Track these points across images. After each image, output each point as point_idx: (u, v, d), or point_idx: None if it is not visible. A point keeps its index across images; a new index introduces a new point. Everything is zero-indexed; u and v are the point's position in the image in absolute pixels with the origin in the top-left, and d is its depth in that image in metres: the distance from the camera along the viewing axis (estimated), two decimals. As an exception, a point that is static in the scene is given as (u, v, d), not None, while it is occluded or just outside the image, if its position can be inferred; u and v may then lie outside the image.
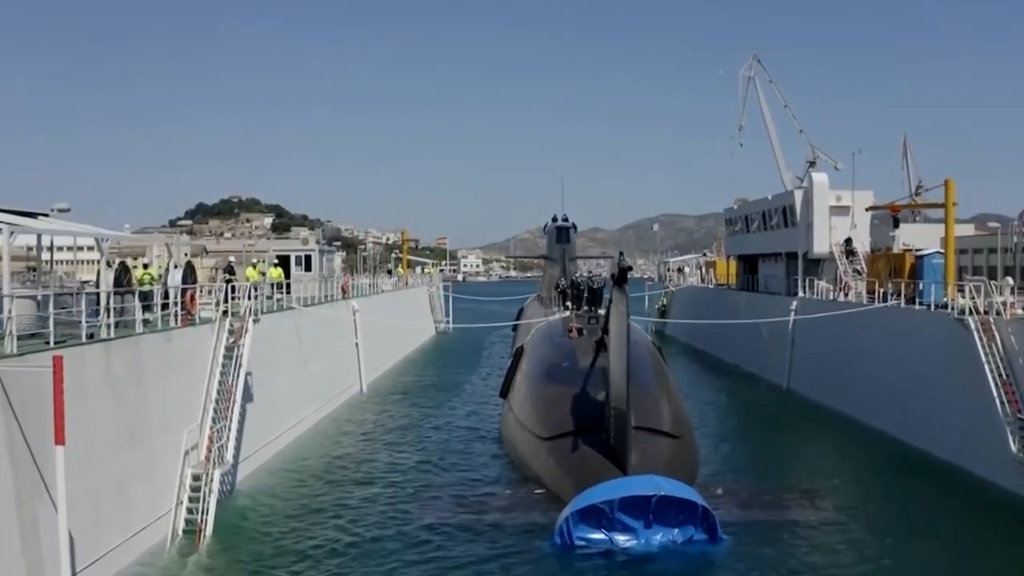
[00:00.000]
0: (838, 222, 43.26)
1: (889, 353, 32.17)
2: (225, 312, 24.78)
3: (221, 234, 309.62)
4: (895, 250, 41.49)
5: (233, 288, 24.94)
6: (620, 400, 21.93)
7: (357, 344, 41.41)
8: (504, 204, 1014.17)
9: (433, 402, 39.76)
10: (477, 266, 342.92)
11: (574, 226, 58.71)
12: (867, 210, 40.08)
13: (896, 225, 37.19)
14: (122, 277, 22.75)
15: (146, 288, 22.14)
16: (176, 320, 21.81)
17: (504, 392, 33.10)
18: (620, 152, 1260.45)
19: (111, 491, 17.64)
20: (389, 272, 70.09)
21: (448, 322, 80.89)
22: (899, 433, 30.17)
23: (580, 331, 30.93)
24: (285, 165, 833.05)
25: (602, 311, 37.50)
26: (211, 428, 21.76)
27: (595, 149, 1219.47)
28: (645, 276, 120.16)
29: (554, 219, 58.66)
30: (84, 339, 17.42)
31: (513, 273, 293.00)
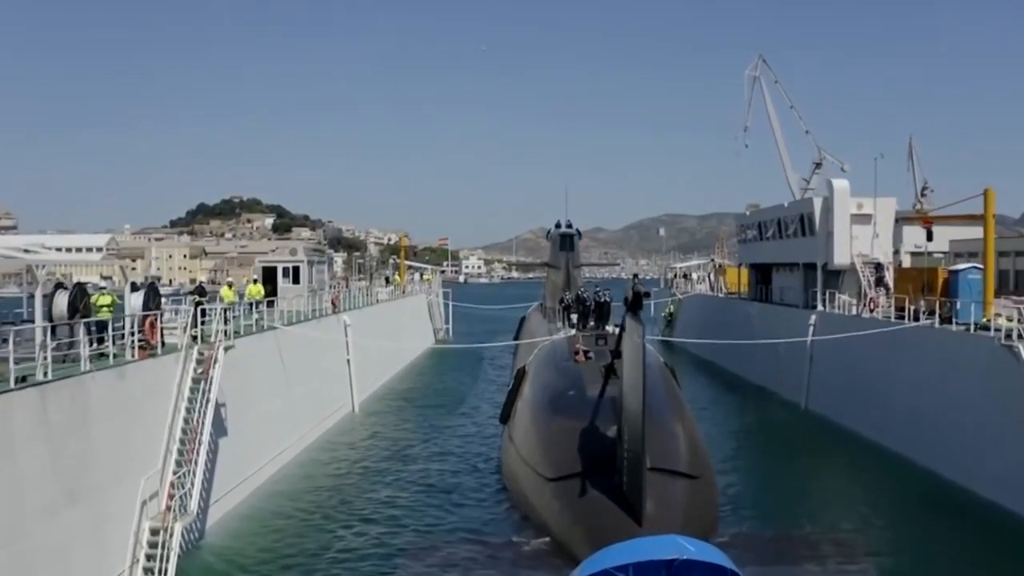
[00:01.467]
0: (859, 231, 40.74)
1: (923, 377, 29.66)
2: (195, 337, 22.37)
3: (222, 235, 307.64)
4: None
5: (203, 312, 22.46)
6: (635, 442, 19.51)
7: (349, 360, 38.93)
8: (506, 204, 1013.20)
9: (429, 423, 37.33)
10: (479, 267, 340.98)
11: (578, 232, 56.17)
12: (897, 221, 37.56)
13: (929, 238, 34.64)
14: (77, 302, 20.26)
15: (104, 316, 19.51)
16: (132, 352, 19.27)
17: (504, 417, 30.59)
18: (622, 151, 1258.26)
19: (47, 558, 15.18)
20: (387, 280, 67.53)
21: (448, 330, 78.84)
22: (934, 465, 27.68)
23: (587, 354, 28.39)
24: (286, 165, 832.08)
25: (609, 328, 35.07)
26: (173, 474, 19.32)
27: (597, 148, 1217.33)
28: (647, 277, 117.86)
29: (557, 225, 56.27)
30: (13, 384, 14.91)
31: (515, 274, 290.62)
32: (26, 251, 19.17)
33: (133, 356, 19.22)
